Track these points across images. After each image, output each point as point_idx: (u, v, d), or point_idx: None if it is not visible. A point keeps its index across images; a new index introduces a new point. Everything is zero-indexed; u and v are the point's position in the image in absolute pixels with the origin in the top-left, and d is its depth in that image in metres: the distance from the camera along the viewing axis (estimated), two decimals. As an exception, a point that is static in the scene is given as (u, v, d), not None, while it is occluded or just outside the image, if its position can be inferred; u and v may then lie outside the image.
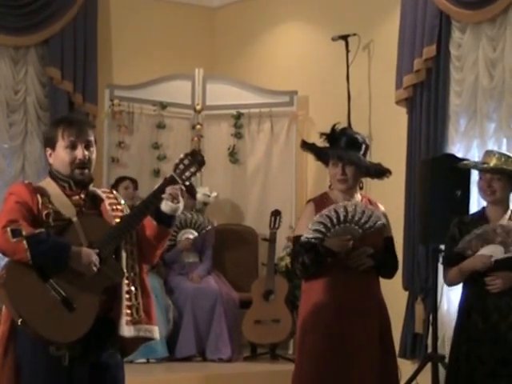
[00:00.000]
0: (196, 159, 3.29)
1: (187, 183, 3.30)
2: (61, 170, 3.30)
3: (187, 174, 3.28)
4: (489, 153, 4.40)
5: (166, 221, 3.31)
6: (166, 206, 3.28)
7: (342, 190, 3.95)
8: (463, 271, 4.24)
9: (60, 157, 3.28)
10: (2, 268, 3.20)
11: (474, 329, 4.19)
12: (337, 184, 3.96)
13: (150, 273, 6.32)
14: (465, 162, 4.81)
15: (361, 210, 3.82)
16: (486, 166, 4.29)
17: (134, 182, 6.74)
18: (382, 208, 4.03)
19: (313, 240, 3.80)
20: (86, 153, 3.29)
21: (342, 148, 3.93)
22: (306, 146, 4.05)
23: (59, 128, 3.29)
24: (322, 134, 4.03)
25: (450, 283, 4.48)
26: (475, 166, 4.53)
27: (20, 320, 3.07)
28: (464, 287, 4.33)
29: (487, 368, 4.14)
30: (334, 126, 4.03)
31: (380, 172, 4.00)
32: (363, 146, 3.98)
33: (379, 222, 3.86)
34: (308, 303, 3.95)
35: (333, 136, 3.99)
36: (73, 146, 3.27)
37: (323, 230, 3.80)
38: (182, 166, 3.28)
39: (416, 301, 6.09)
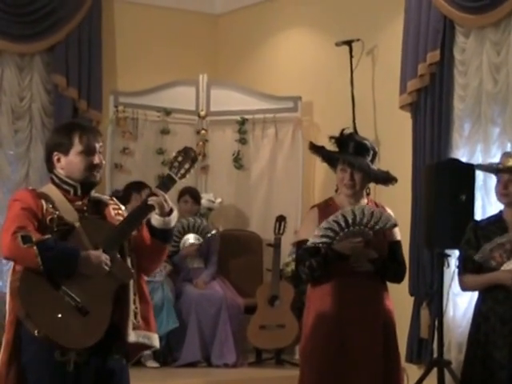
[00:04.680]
0: (189, 156, 3.31)
1: (183, 180, 3.32)
2: (73, 174, 3.29)
3: (182, 171, 3.30)
4: (506, 154, 4.38)
5: (159, 235, 3.30)
6: (155, 220, 3.28)
7: (349, 194, 3.95)
8: (487, 283, 4.20)
9: (74, 162, 3.28)
10: (11, 276, 3.21)
11: (492, 332, 4.16)
12: (344, 189, 3.96)
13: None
14: (481, 164, 4.78)
15: (369, 213, 3.81)
16: (501, 166, 4.25)
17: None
18: (389, 212, 4.02)
19: (320, 244, 3.79)
20: (101, 157, 3.32)
21: (351, 154, 3.92)
22: (315, 148, 4.05)
23: (75, 133, 3.28)
24: (331, 138, 4.02)
25: (467, 290, 4.45)
26: (491, 167, 4.48)
27: (37, 331, 3.07)
28: (481, 291, 4.30)
29: (506, 372, 4.11)
30: (343, 130, 4.04)
31: (387, 180, 3.99)
32: (371, 152, 3.98)
33: (389, 223, 3.85)
34: (311, 309, 3.94)
35: (341, 141, 3.99)
36: (89, 152, 3.28)
37: (331, 234, 3.79)
38: (176, 164, 3.30)
39: (421, 306, 6.08)
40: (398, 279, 4.07)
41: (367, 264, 3.85)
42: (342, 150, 3.96)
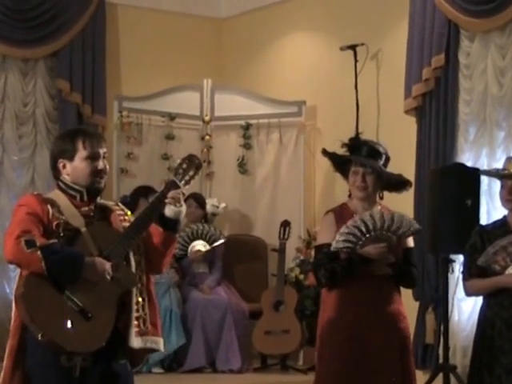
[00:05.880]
0: (193, 163, 3.37)
1: (187, 187, 3.36)
2: (78, 180, 3.31)
3: (187, 177, 3.35)
4: (510, 159, 4.36)
5: (171, 226, 3.35)
6: (169, 210, 3.32)
7: (361, 198, 3.93)
8: (492, 287, 4.19)
9: (79, 167, 3.30)
10: (17, 282, 3.21)
11: (498, 338, 4.14)
12: (356, 192, 3.94)
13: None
14: (486, 169, 4.76)
15: (389, 217, 3.79)
16: (507, 172, 4.24)
17: None
18: None
19: (344, 249, 3.78)
20: (106, 162, 3.34)
21: (363, 156, 3.92)
22: (327, 154, 4.03)
23: (78, 139, 3.31)
24: (343, 144, 4.02)
25: (472, 295, 4.43)
26: (497, 173, 4.47)
27: (40, 334, 3.07)
28: (486, 296, 4.29)
29: None
30: (356, 135, 4.05)
31: (400, 184, 3.98)
32: (384, 157, 3.96)
33: (413, 228, 3.83)
34: (326, 314, 3.92)
35: (354, 145, 3.98)
36: (94, 157, 3.30)
37: (353, 239, 3.77)
38: (181, 171, 3.35)
39: (427, 311, 6.06)
40: (412, 284, 4.09)
41: (386, 268, 3.85)
42: (354, 154, 3.95)
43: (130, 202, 6.31)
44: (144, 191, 6.55)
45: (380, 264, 3.83)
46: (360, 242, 3.78)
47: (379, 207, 3.97)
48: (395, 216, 3.81)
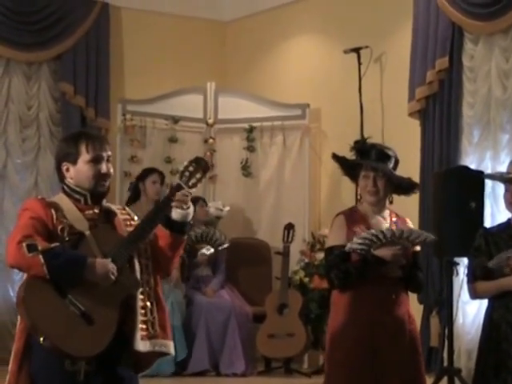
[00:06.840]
0: (200, 165, 3.31)
1: (194, 190, 3.31)
2: (81, 183, 3.30)
3: (193, 180, 3.30)
4: None
5: (178, 229, 3.32)
6: (176, 213, 3.29)
7: (372, 202, 3.91)
8: (499, 289, 4.18)
9: (82, 171, 3.29)
10: (20, 286, 3.20)
11: (504, 341, 4.14)
12: (367, 196, 3.92)
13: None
14: (490, 173, 4.74)
15: (408, 230, 3.80)
16: (511, 175, 4.23)
17: (162, 176, 6.75)
18: (409, 222, 4.01)
19: (358, 250, 3.77)
20: (109, 166, 3.32)
21: (373, 160, 3.92)
22: (337, 158, 4.02)
23: (81, 142, 3.30)
24: (352, 148, 4.00)
25: (477, 298, 4.42)
26: (501, 177, 4.46)
27: (42, 338, 3.07)
28: (491, 299, 4.28)
29: None
30: (365, 139, 4.04)
31: (410, 186, 3.97)
32: (393, 160, 3.95)
33: (429, 238, 3.82)
34: (337, 316, 3.91)
35: (363, 149, 3.98)
36: (97, 160, 3.29)
37: (369, 243, 3.77)
38: (187, 173, 3.30)
39: (431, 314, 6.05)
40: (419, 289, 4.08)
41: (397, 270, 3.85)
42: (363, 158, 3.94)
43: (132, 187, 6.46)
44: (142, 175, 6.66)
45: (393, 266, 3.83)
46: (374, 245, 3.77)
47: (388, 212, 3.97)
48: (413, 230, 3.82)
